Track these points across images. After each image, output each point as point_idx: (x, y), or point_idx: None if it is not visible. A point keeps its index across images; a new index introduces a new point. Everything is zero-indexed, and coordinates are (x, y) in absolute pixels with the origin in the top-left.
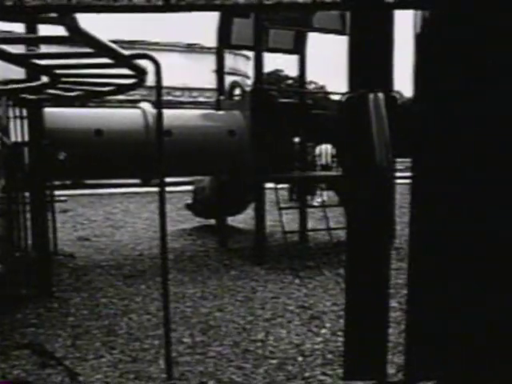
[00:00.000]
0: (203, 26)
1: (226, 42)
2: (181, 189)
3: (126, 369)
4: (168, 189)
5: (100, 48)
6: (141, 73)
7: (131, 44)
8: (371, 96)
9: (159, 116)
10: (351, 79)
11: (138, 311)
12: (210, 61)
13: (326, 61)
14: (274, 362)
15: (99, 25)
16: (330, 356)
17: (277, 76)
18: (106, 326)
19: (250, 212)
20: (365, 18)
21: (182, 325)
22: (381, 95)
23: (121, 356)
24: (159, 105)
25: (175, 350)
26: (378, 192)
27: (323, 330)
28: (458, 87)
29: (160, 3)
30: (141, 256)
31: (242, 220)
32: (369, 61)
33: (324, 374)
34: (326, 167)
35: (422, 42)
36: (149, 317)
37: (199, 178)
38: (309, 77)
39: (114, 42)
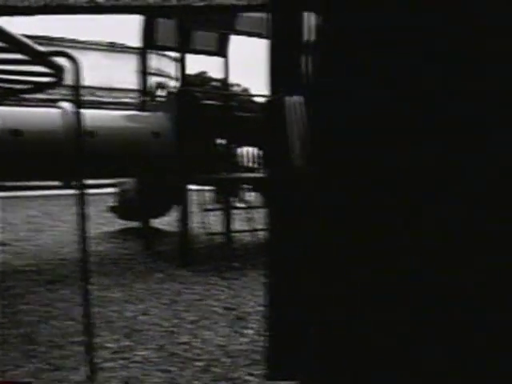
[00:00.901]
0: (127, 25)
1: (149, 42)
2: (104, 191)
3: (48, 378)
4: (91, 191)
5: (11, 42)
6: (58, 71)
7: (50, 41)
8: (288, 99)
9: (78, 116)
10: (270, 82)
11: (60, 317)
12: (135, 61)
13: (251, 63)
14: (200, 364)
15: (18, 20)
16: (255, 356)
17: (202, 78)
18: (26, 334)
19: (175, 214)
20: (281, 20)
21: (105, 330)
22: (298, 98)
23: (41, 365)
24: (78, 105)
25: (99, 355)
26: (294, 192)
27: (248, 331)
28: (344, 90)
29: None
30: (63, 260)
31: (167, 222)
32: (286, 64)
33: (250, 374)
34: (249, 169)
35: (311, 48)
36: (71, 323)
37: (123, 179)
38: (234, 79)
39: (32, 37)
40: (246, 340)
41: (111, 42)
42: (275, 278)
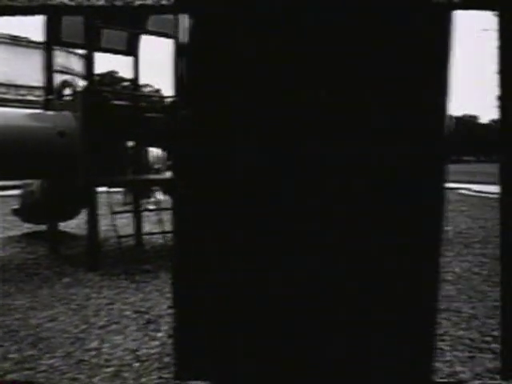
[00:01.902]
0: (32, 18)
1: (55, 37)
2: (7, 193)
3: None
4: None
5: None
6: None
7: None
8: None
9: None
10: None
11: None
12: (40, 57)
13: (165, 64)
14: (110, 370)
15: None
16: (166, 359)
17: (111, 77)
18: None
19: (83, 217)
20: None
21: (8, 340)
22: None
23: None
24: None
25: (0, 367)
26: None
27: (160, 334)
28: (214, 92)
29: None
30: None
31: (75, 225)
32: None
33: (161, 377)
34: (160, 170)
35: (182, 48)
36: None
37: (27, 181)
38: (146, 80)
39: None
40: (157, 343)
41: (14, 36)
42: (179, 279)
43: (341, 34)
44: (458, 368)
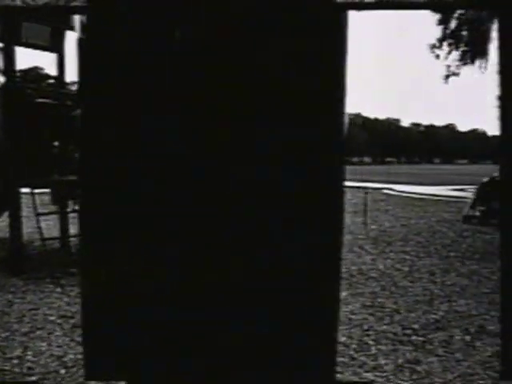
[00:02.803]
0: None
1: None
2: None
3: None
4: None
5: None
6: None
7: None
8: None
9: None
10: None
11: None
12: None
13: None
14: (34, 378)
15: None
16: None
17: (36, 74)
18: None
19: (5, 219)
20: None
21: None
22: None
23: None
24: None
25: None
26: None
27: None
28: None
29: None
30: None
31: None
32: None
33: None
34: None
35: (83, 46)
36: None
37: None
38: (74, 78)
39: None
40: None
41: None
42: (86, 281)
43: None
44: (382, 361)
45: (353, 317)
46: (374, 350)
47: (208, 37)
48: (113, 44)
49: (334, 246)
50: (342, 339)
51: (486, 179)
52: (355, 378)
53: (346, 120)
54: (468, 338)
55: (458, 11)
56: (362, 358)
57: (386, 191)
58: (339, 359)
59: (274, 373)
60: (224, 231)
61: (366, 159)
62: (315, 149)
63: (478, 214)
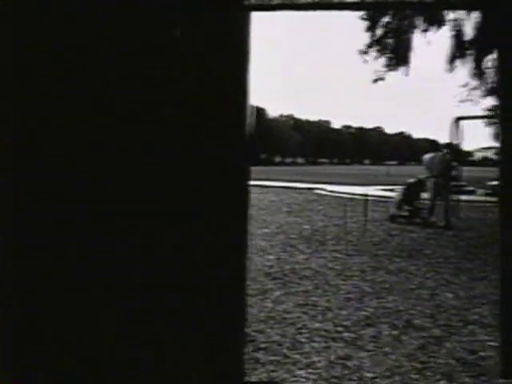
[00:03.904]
0: None
1: None
2: None
3: None
4: None
5: None
6: None
7: None
8: None
9: None
10: None
11: None
12: None
13: None
14: None
15: None
16: None
17: None
18: None
19: None
20: None
21: None
22: None
23: None
24: None
25: None
26: None
27: None
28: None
29: None
30: None
31: None
32: None
33: None
34: None
35: None
36: None
37: None
38: None
39: None
40: None
41: None
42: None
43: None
44: (315, 358)
45: (286, 315)
46: (307, 348)
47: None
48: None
49: (238, 248)
50: (276, 338)
51: (411, 180)
52: (264, 379)
53: (251, 119)
54: (396, 332)
55: (384, 20)
56: (296, 356)
57: (318, 191)
58: (273, 358)
59: (185, 373)
60: (126, 230)
61: (299, 160)
62: (218, 152)
63: (404, 213)
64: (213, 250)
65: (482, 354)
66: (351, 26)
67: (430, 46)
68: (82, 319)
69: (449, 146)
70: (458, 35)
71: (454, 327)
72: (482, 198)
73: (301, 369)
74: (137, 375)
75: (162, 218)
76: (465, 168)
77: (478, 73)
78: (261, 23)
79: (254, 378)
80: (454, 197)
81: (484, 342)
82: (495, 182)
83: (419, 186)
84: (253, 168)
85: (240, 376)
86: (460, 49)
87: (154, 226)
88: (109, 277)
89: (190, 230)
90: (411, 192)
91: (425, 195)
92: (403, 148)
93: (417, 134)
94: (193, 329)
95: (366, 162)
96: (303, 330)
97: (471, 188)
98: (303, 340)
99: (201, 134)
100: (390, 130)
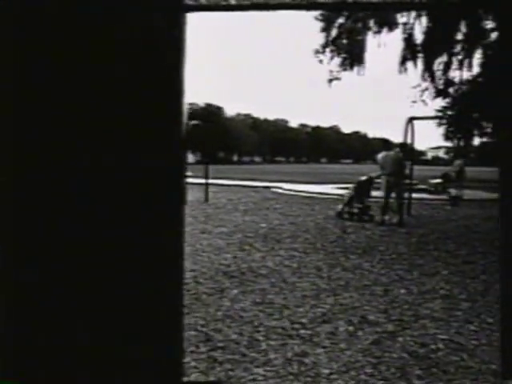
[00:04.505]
0: None
1: None
2: None
3: None
4: None
5: None
6: None
7: None
8: None
9: None
10: None
11: None
12: None
13: None
14: None
15: None
16: None
17: None
18: None
19: None
20: None
21: None
22: None
23: None
24: None
25: None
26: None
27: None
28: None
29: None
30: None
31: None
32: None
33: None
34: None
35: None
36: None
37: None
38: None
39: None
40: None
41: None
42: None
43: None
44: (272, 355)
45: (243, 314)
46: (264, 346)
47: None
48: None
49: (174, 252)
50: (234, 337)
51: (362, 178)
52: (222, 378)
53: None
54: (351, 328)
55: (339, 21)
56: (253, 354)
57: (275, 190)
58: (230, 356)
59: (121, 374)
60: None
61: (257, 159)
62: (153, 154)
63: (354, 210)
64: (148, 248)
65: (432, 347)
66: (309, 25)
67: (385, 47)
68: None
69: (402, 145)
70: (408, 38)
71: (406, 322)
72: (433, 196)
73: (258, 367)
74: (74, 379)
75: (96, 222)
76: (418, 167)
77: (429, 75)
78: (220, 23)
79: (211, 377)
80: (407, 195)
81: (435, 335)
82: (437, 180)
83: (369, 183)
84: (210, 167)
85: (178, 376)
86: (411, 51)
87: (86, 229)
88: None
89: (125, 233)
90: (361, 189)
91: (376, 193)
92: (359, 147)
93: (372, 134)
94: (128, 329)
95: (323, 160)
96: (260, 328)
97: (423, 186)
98: (260, 338)
99: (135, 135)
100: (346, 129)
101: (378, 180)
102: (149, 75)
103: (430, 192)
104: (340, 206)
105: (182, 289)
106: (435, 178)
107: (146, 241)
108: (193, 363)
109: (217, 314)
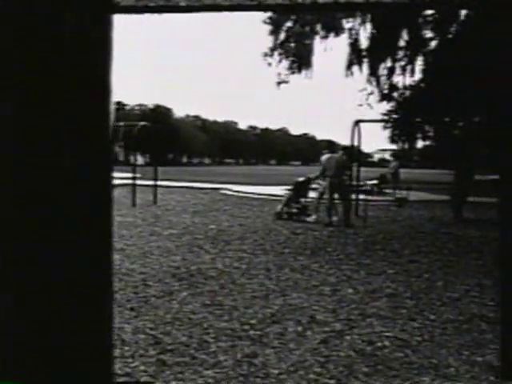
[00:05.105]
0: None
1: None
2: None
3: None
4: None
5: None
6: None
7: None
8: None
9: None
10: None
11: None
12: None
13: None
14: None
15: None
16: None
17: None
18: None
19: None
20: None
21: None
22: None
23: None
24: None
25: None
26: None
27: None
28: None
29: None
30: None
31: None
32: None
33: None
34: None
35: None
36: None
37: None
38: None
39: None
40: None
41: None
42: None
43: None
44: (221, 357)
45: (193, 316)
46: (213, 348)
47: None
48: None
49: (102, 252)
50: (183, 339)
51: (300, 179)
52: (171, 381)
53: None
54: (300, 328)
55: (287, 24)
56: (203, 356)
57: (224, 191)
58: (180, 359)
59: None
60: None
61: (206, 160)
62: (80, 154)
63: (292, 210)
64: (73, 250)
65: (379, 344)
66: (259, 28)
67: (332, 51)
68: None
69: (345, 148)
70: (354, 43)
71: (353, 321)
72: (379, 197)
73: (208, 369)
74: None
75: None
76: (364, 169)
77: (374, 79)
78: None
79: (160, 381)
80: (353, 196)
81: (381, 333)
82: (373, 182)
83: (307, 184)
84: (159, 168)
85: (109, 377)
86: (357, 56)
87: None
88: None
89: (49, 238)
90: (299, 190)
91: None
92: (307, 149)
93: (320, 136)
94: (59, 330)
95: (272, 162)
96: (210, 330)
97: (369, 188)
98: (210, 340)
99: (59, 135)
100: (294, 131)
101: (321, 182)
102: (74, 75)
103: (366, 193)
104: (279, 207)
105: (113, 291)
106: (372, 179)
107: (71, 244)
108: (142, 367)
109: (166, 316)
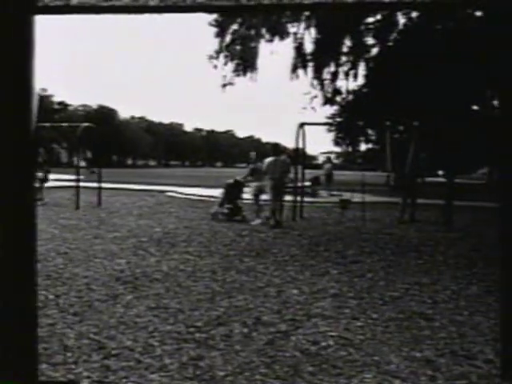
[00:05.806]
0: None
1: None
2: None
3: None
4: None
5: None
6: None
7: None
8: None
9: None
10: None
11: None
12: None
13: None
14: None
15: None
16: None
17: None
18: None
19: None
20: None
21: None
22: None
23: None
24: None
25: None
26: None
27: None
28: None
29: None
30: None
31: None
32: None
33: None
34: None
35: None
36: None
37: None
38: None
39: None
40: None
41: None
42: None
43: None
44: (167, 361)
45: (138, 320)
46: (159, 351)
47: None
48: None
49: (26, 253)
50: (128, 343)
51: (230, 180)
52: (59, 379)
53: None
54: (246, 330)
55: (233, 27)
56: (148, 360)
57: (169, 194)
58: (125, 364)
59: None
60: None
61: (151, 162)
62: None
63: (225, 211)
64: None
65: (323, 344)
66: (206, 30)
67: (277, 55)
68: None
69: (284, 150)
70: (299, 47)
71: (298, 321)
72: (324, 199)
73: (153, 372)
74: None
75: None
76: (309, 171)
77: (318, 83)
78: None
79: None
80: (298, 198)
81: (325, 332)
82: (306, 183)
83: (237, 185)
84: (104, 170)
85: (33, 376)
86: (301, 60)
87: None
88: None
89: None
90: (230, 191)
91: (245, 195)
92: (253, 151)
93: (266, 138)
94: None
95: (218, 164)
96: (155, 334)
97: (310, 190)
98: (155, 343)
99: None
100: (240, 133)
101: (254, 184)
102: None
103: (306, 195)
104: (215, 208)
105: (36, 293)
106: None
107: None
108: (85, 373)
109: (110, 320)
